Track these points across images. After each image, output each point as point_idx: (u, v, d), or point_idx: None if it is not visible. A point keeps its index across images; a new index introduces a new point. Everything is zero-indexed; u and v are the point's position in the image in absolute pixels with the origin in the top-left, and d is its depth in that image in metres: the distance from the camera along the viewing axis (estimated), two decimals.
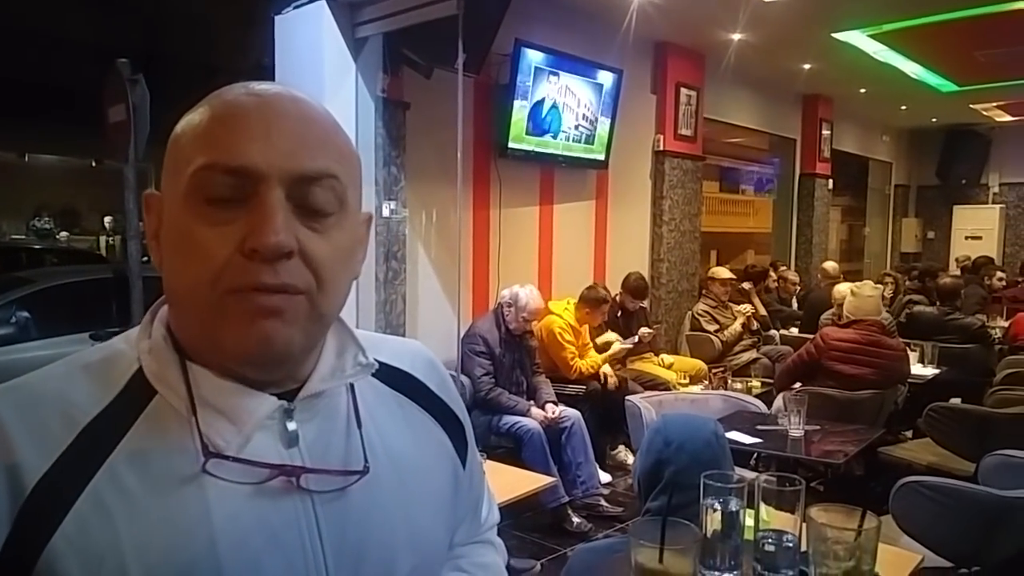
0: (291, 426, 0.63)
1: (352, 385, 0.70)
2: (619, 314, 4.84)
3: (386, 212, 3.85)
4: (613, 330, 4.64)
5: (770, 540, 1.19)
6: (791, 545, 1.17)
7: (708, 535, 1.21)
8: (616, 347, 4.45)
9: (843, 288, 4.66)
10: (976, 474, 2.65)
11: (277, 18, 3.79)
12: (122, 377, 0.62)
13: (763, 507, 1.21)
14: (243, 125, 0.59)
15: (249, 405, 0.62)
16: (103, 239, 11.22)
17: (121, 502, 0.56)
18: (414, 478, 0.71)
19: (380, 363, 0.72)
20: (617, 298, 4.86)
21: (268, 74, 3.79)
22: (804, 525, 1.15)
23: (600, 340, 4.50)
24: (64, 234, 11.16)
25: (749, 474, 1.24)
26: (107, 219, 11.17)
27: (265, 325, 0.58)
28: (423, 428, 0.75)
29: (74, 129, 6.44)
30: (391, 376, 0.75)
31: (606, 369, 4.24)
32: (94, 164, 10.85)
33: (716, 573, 1.20)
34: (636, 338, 4.69)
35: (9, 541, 0.54)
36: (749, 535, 1.25)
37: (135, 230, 4.40)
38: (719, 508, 1.21)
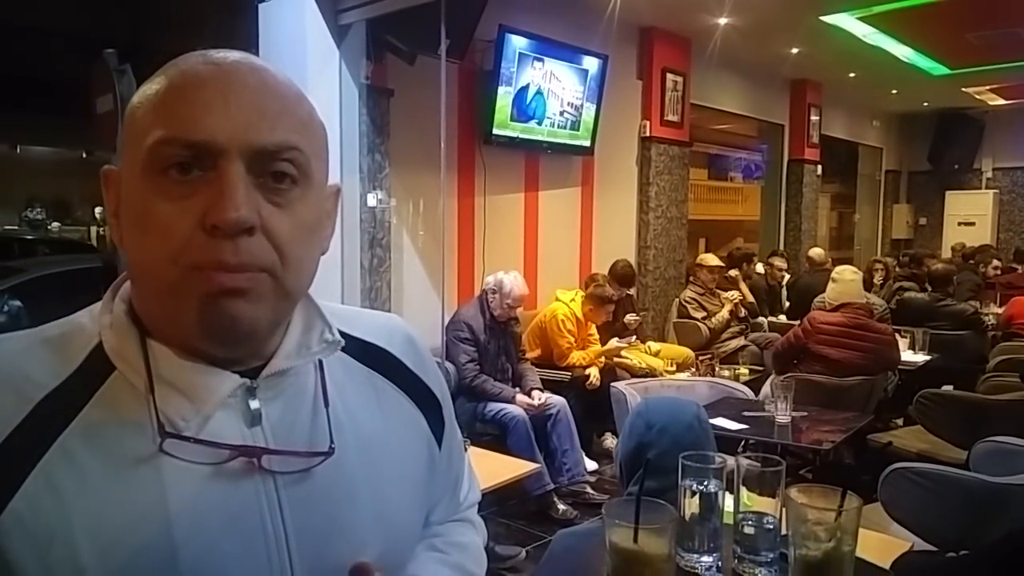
0: (254, 405, 0.61)
1: (321, 363, 0.67)
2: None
3: (372, 202, 3.82)
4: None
5: (750, 522, 1.15)
6: (771, 527, 1.14)
7: (686, 517, 1.18)
8: (612, 343, 4.44)
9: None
10: (967, 461, 2.62)
11: (261, 6, 3.73)
12: (81, 352, 0.60)
13: (744, 491, 1.17)
14: (200, 96, 0.56)
15: (209, 383, 0.60)
16: (94, 229, 11.23)
17: (73, 480, 0.55)
18: (384, 459, 0.69)
19: (354, 338, 0.71)
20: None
21: None
22: (784, 507, 1.12)
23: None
24: (56, 225, 11.19)
25: (733, 460, 1.21)
26: (98, 210, 11.16)
27: (228, 304, 0.57)
28: (396, 407, 0.73)
29: (65, 121, 6.44)
30: (365, 352, 0.72)
31: (592, 370, 4.22)
32: (85, 155, 10.85)
33: (694, 555, 1.17)
34: (633, 338, 4.68)
35: None
36: (729, 520, 1.22)
37: None
38: (697, 490, 1.18)
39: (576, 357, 4.29)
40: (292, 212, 0.59)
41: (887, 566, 1.58)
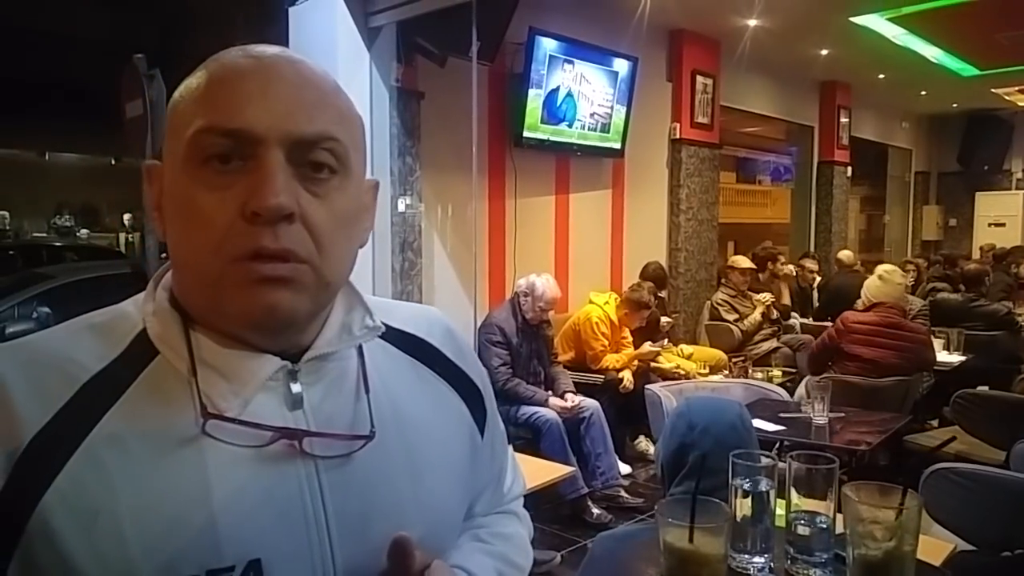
0: (295, 388, 0.62)
1: (362, 349, 0.68)
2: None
3: (401, 207, 3.84)
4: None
5: (803, 521, 1.15)
6: (825, 526, 1.14)
7: (738, 519, 1.18)
8: (646, 347, 4.43)
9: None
10: (1007, 461, 2.58)
11: (291, 10, 3.78)
12: (126, 337, 0.61)
13: (793, 492, 1.17)
14: (240, 87, 0.58)
15: (251, 366, 0.61)
16: (123, 236, 11.36)
17: (118, 459, 0.56)
18: (426, 445, 0.69)
19: (394, 328, 0.71)
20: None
21: None
22: (836, 507, 1.11)
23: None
24: (84, 231, 11.32)
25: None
26: (126, 216, 11.31)
27: (270, 293, 0.57)
28: (438, 394, 0.73)
29: (93, 127, 6.53)
30: (405, 341, 0.73)
31: (626, 373, 4.21)
32: (113, 162, 10.98)
33: (746, 556, 1.17)
34: (665, 341, 4.66)
35: (2, 496, 0.53)
36: (780, 523, 1.21)
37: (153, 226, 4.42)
38: (749, 490, 1.18)
39: (610, 360, 4.28)
40: (330, 202, 0.60)
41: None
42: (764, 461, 1.20)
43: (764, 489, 1.18)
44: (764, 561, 1.17)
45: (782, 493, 1.20)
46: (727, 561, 1.03)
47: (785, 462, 1.19)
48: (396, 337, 0.71)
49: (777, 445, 3.25)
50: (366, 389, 0.66)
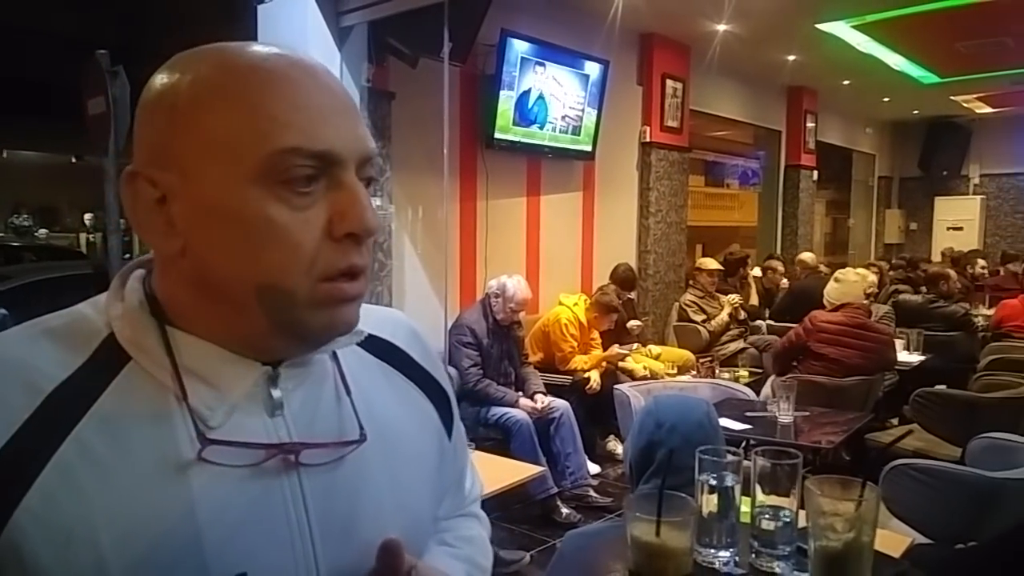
0: (275, 393, 0.61)
1: (336, 355, 0.68)
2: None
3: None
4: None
5: (767, 516, 1.17)
6: (788, 520, 1.16)
7: (704, 514, 1.20)
8: (614, 349, 4.46)
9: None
10: (962, 457, 2.66)
11: (260, 7, 3.73)
12: (90, 342, 0.58)
13: (758, 488, 1.19)
14: (311, 103, 0.57)
15: (237, 372, 0.60)
16: (83, 236, 11.08)
17: (92, 473, 0.53)
18: (402, 448, 0.69)
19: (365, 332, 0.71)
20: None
21: None
22: (800, 503, 1.14)
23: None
24: (43, 231, 11.02)
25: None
26: (87, 216, 11.03)
27: (349, 311, 0.60)
28: (408, 397, 0.73)
29: (53, 125, 6.34)
30: (374, 345, 0.73)
31: (593, 374, 4.24)
32: (74, 160, 10.70)
33: (712, 550, 1.19)
34: (634, 345, 4.71)
35: None
36: (745, 520, 1.23)
37: (115, 225, 4.33)
38: (714, 485, 1.20)
39: (578, 361, 4.31)
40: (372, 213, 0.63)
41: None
42: (730, 457, 1.22)
43: (730, 484, 1.20)
44: (730, 555, 1.19)
45: (748, 491, 1.22)
46: (693, 555, 1.05)
47: (751, 459, 1.21)
48: (366, 341, 0.71)
49: (744, 444, 3.30)
50: (347, 392, 0.66)
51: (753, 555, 1.19)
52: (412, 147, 4.03)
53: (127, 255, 4.13)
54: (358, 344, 0.69)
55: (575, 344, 4.35)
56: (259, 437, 0.59)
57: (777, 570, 1.15)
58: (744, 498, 1.24)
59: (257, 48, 0.59)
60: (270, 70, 0.57)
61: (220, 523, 0.56)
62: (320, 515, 0.61)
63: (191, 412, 0.56)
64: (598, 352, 4.44)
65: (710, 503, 1.21)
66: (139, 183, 0.58)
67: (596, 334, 4.51)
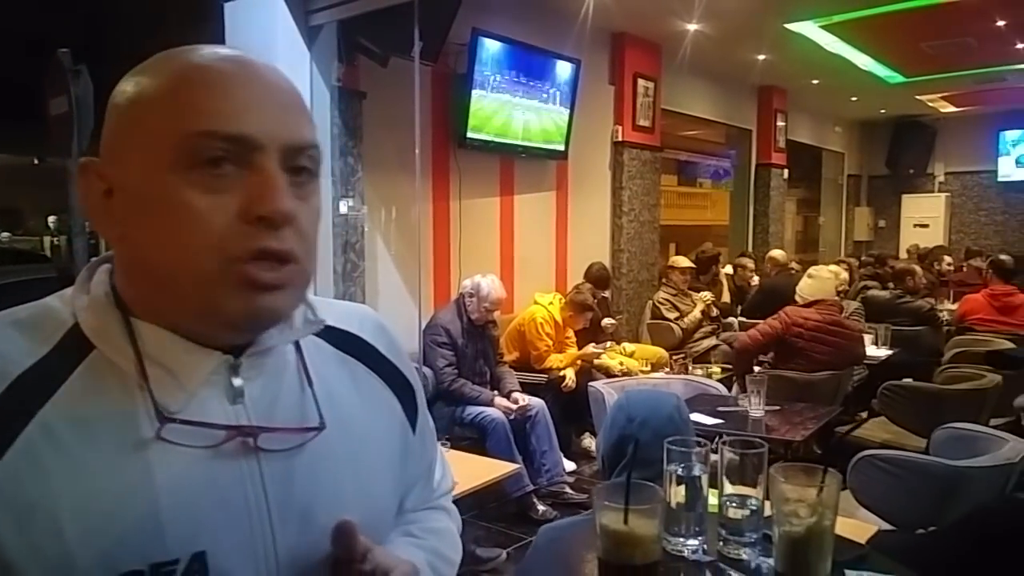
0: (236, 382, 0.63)
1: (299, 345, 0.69)
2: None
3: (344, 209, 3.79)
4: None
5: (734, 504, 1.19)
6: (755, 508, 1.18)
7: (673, 505, 1.21)
8: (588, 348, 4.49)
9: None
10: (927, 448, 2.72)
11: (227, 6, 3.69)
12: (56, 332, 0.60)
13: (726, 480, 1.21)
14: (233, 92, 0.59)
15: (196, 360, 0.62)
16: (47, 239, 10.87)
17: (55, 455, 0.55)
18: (363, 438, 0.71)
19: (327, 325, 0.73)
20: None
21: None
22: (766, 493, 1.15)
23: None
24: (6, 235, 10.79)
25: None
26: (51, 219, 10.81)
27: (269, 298, 0.60)
28: (371, 389, 0.75)
29: (14, 125, 6.20)
30: (338, 338, 0.74)
31: (568, 372, 4.26)
32: (36, 162, 10.48)
33: (681, 539, 1.21)
34: (609, 344, 4.74)
35: None
36: (714, 511, 1.25)
37: (80, 227, 4.26)
38: (683, 475, 1.22)
39: (553, 360, 4.33)
40: (310, 204, 0.63)
41: None
42: (696, 448, 1.24)
43: (697, 474, 1.22)
44: (698, 543, 1.21)
45: (716, 483, 1.24)
46: (662, 543, 1.06)
47: (719, 441, 1.23)
48: (329, 334, 0.73)
49: (716, 438, 3.34)
50: (308, 382, 0.68)
51: (721, 543, 1.21)
52: (384, 147, 4.02)
53: (93, 257, 4.04)
54: (322, 338, 0.72)
55: (550, 343, 4.37)
56: (219, 421, 0.61)
57: (744, 556, 1.17)
58: (712, 490, 1.26)
59: (207, 49, 0.62)
60: (201, 65, 0.61)
61: (179, 501, 0.58)
62: (279, 500, 0.63)
63: (151, 396, 0.59)
64: (573, 351, 4.46)
65: (678, 494, 1.22)
66: (90, 176, 0.62)
67: (571, 333, 4.53)
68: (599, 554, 1.01)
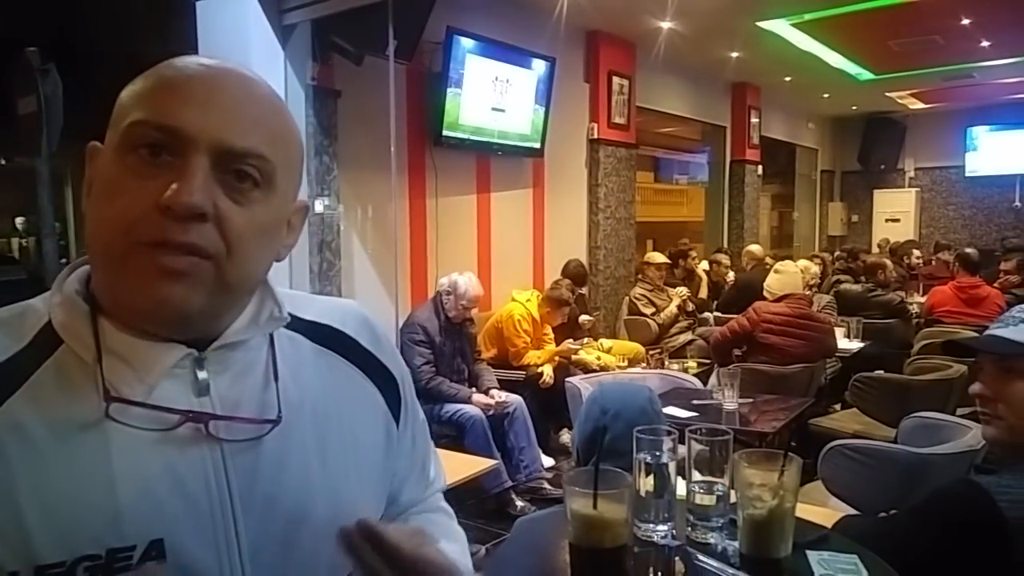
0: (202, 375, 0.64)
1: (272, 341, 0.70)
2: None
3: (319, 208, 3.78)
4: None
5: (701, 490, 1.22)
6: (721, 494, 1.21)
7: (643, 493, 1.24)
8: (566, 345, 4.52)
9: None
10: (896, 437, 2.78)
11: (198, 4, 3.66)
12: (31, 330, 0.63)
13: (694, 470, 1.24)
14: (183, 90, 0.61)
15: (155, 354, 0.63)
16: (15, 241, 10.66)
17: (18, 445, 0.58)
18: (335, 431, 0.72)
19: (306, 320, 0.74)
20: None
21: None
22: (732, 481, 1.19)
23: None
24: None
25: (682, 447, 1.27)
26: (19, 220, 10.60)
27: (164, 287, 0.59)
28: (350, 382, 0.75)
29: None
30: (317, 333, 0.75)
31: (546, 368, 4.29)
32: (3, 162, 10.26)
33: (651, 525, 1.23)
34: (585, 340, 4.77)
35: None
36: (682, 499, 1.28)
37: (50, 228, 4.20)
38: (652, 463, 1.24)
39: (531, 356, 4.35)
40: (250, 211, 0.63)
41: None
42: (665, 437, 1.27)
43: (665, 461, 1.25)
44: (667, 529, 1.24)
45: (684, 473, 1.27)
46: (632, 528, 1.09)
47: (687, 430, 1.26)
48: (308, 328, 0.74)
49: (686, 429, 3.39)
50: (275, 377, 0.68)
51: (689, 528, 1.24)
52: (359, 145, 4.01)
53: (63, 259, 4.01)
54: (299, 333, 0.73)
55: (528, 339, 4.39)
56: (179, 407, 0.62)
57: (711, 540, 1.20)
58: (680, 480, 1.29)
59: (196, 58, 0.65)
60: (175, 66, 0.64)
61: (136, 487, 0.59)
62: (243, 491, 0.64)
63: (102, 378, 0.60)
64: (551, 347, 4.49)
65: (647, 482, 1.25)
66: (90, 157, 0.65)
67: (549, 329, 4.56)
68: (570, 539, 1.04)
